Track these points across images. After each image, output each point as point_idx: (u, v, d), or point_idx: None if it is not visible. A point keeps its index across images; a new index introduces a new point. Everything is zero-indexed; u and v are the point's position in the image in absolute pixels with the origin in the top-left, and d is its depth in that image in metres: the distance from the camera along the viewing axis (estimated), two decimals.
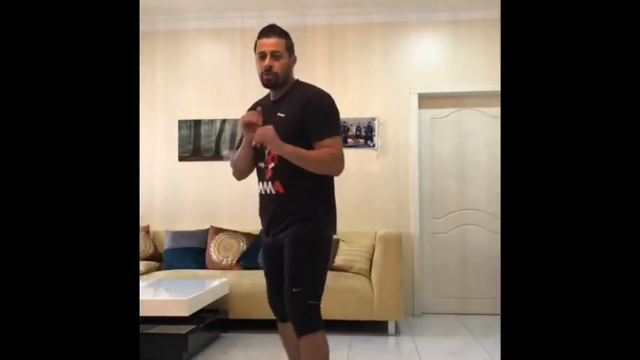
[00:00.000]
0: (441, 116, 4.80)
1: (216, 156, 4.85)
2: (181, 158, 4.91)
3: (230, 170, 2.30)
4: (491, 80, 4.56)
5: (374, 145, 4.70)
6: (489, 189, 4.68)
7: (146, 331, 3.14)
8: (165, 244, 4.55)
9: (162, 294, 3.41)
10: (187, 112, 4.92)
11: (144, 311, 2.90)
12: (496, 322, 4.25)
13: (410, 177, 4.68)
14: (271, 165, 2.10)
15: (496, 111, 4.66)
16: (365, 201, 4.69)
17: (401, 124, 4.71)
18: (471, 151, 4.74)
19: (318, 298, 2.06)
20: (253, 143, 2.08)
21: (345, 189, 4.58)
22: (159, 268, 4.49)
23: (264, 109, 2.16)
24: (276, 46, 2.09)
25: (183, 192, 4.90)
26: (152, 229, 4.78)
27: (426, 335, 3.93)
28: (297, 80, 2.21)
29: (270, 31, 2.12)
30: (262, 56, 2.10)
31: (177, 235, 4.56)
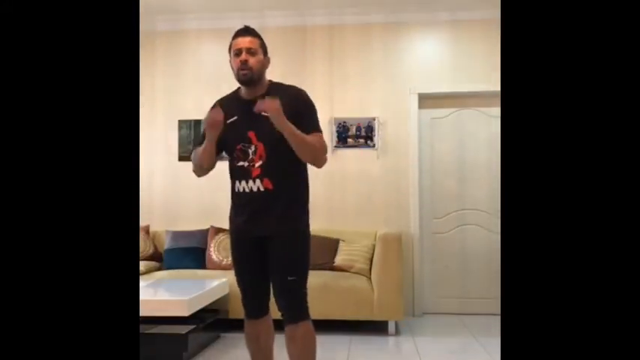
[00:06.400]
0: (441, 116, 4.80)
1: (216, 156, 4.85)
2: (181, 158, 4.90)
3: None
4: (491, 80, 4.56)
5: (374, 145, 4.70)
6: (489, 189, 4.68)
7: (146, 331, 3.14)
8: (166, 244, 4.55)
9: (162, 294, 3.41)
10: (187, 112, 4.91)
11: (144, 311, 2.90)
12: (496, 322, 4.25)
13: (410, 177, 4.68)
14: (259, 163, 2.15)
15: (496, 111, 4.66)
16: (365, 201, 4.68)
17: (401, 124, 4.71)
18: (471, 151, 4.74)
19: (306, 287, 2.22)
20: (255, 110, 2.11)
21: (345, 189, 4.58)
22: (159, 268, 4.49)
23: (237, 108, 2.23)
24: (251, 44, 2.19)
25: (183, 192, 4.90)
26: (152, 229, 4.78)
27: (426, 335, 3.93)
28: (271, 81, 2.28)
29: (245, 31, 2.23)
30: (238, 53, 2.19)
31: (177, 235, 4.56)
